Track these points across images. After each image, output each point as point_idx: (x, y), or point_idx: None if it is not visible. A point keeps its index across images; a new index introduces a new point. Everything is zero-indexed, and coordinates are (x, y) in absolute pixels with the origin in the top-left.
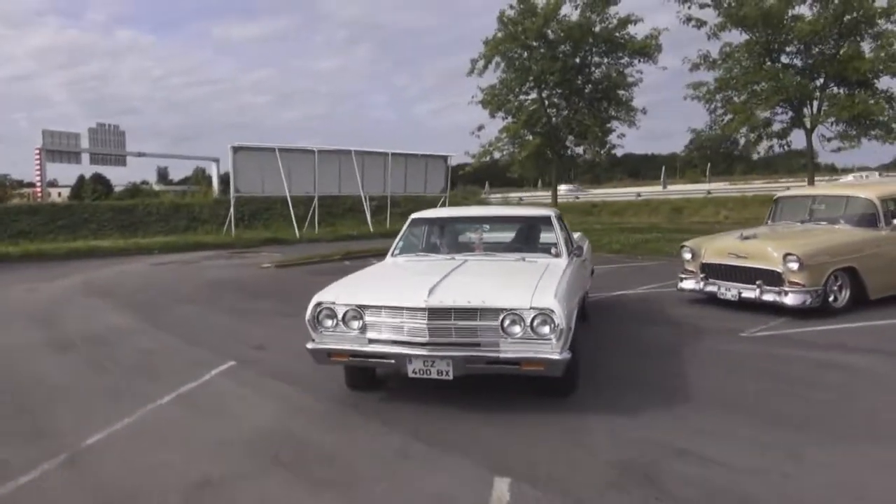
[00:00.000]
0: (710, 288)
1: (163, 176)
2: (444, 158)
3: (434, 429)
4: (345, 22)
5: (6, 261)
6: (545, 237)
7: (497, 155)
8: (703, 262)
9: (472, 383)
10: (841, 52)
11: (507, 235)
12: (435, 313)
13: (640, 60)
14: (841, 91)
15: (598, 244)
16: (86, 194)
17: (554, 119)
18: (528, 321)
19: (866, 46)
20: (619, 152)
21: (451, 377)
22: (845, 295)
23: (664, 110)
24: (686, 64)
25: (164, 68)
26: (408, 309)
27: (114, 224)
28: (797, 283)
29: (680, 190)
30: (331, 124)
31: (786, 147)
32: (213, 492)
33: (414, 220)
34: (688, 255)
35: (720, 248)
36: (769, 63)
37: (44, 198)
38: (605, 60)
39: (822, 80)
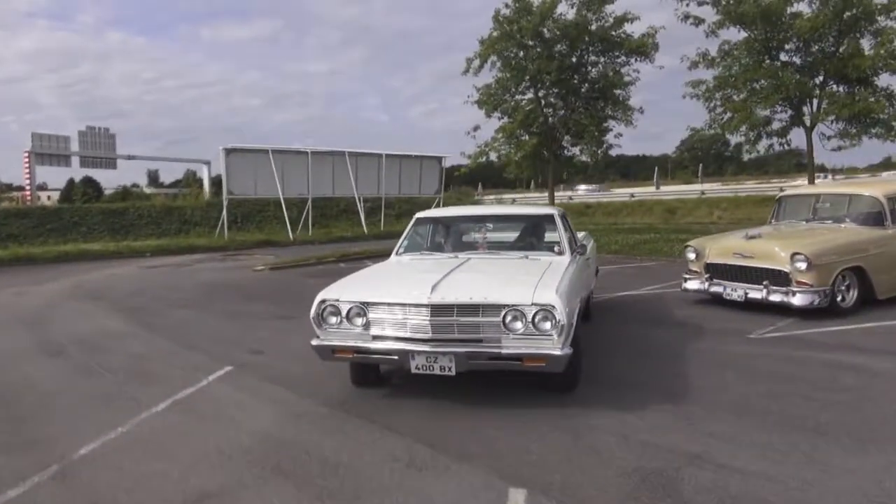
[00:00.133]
0: (715, 288)
1: (153, 179)
2: (439, 159)
3: (440, 433)
4: (337, 24)
5: None
6: (548, 236)
7: (493, 155)
8: (708, 262)
9: (475, 384)
10: (841, 49)
11: (511, 234)
12: (437, 310)
13: (636, 59)
14: (841, 89)
15: (596, 244)
16: (76, 197)
17: (550, 119)
18: (530, 317)
19: (866, 44)
20: (614, 152)
21: (453, 373)
22: (853, 295)
23: (654, 111)
24: (685, 62)
25: (155, 71)
26: (411, 305)
27: (104, 227)
28: (805, 283)
29: (673, 190)
30: (324, 126)
31: (786, 146)
32: None
33: (418, 220)
34: (692, 256)
35: (725, 247)
36: (768, 61)
37: (33, 201)
38: (602, 59)
39: (821, 78)
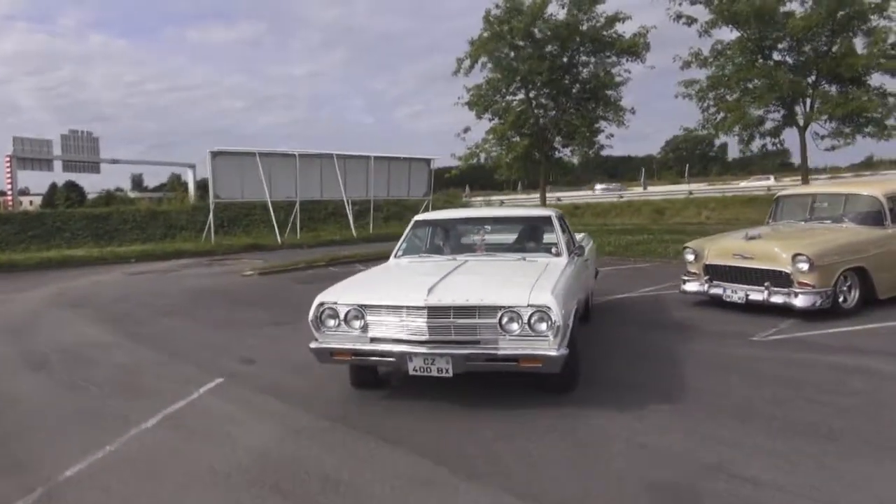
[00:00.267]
0: (714, 290)
1: (137, 183)
2: (428, 161)
3: (443, 446)
4: (320, 26)
5: None
6: (546, 237)
7: (484, 157)
8: (707, 263)
9: (477, 391)
10: (834, 48)
11: (509, 236)
12: (434, 312)
13: (627, 59)
14: (833, 88)
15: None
16: (59, 202)
17: (542, 120)
18: (526, 318)
19: (859, 43)
20: (605, 153)
21: (450, 374)
22: (854, 295)
23: (639, 112)
24: (676, 62)
25: (138, 74)
26: (408, 308)
27: (88, 232)
28: (807, 285)
29: (661, 191)
30: (309, 129)
31: (779, 146)
32: None
33: (417, 222)
34: (690, 257)
35: (724, 248)
36: (761, 60)
37: (15, 206)
38: (593, 60)
39: (814, 78)
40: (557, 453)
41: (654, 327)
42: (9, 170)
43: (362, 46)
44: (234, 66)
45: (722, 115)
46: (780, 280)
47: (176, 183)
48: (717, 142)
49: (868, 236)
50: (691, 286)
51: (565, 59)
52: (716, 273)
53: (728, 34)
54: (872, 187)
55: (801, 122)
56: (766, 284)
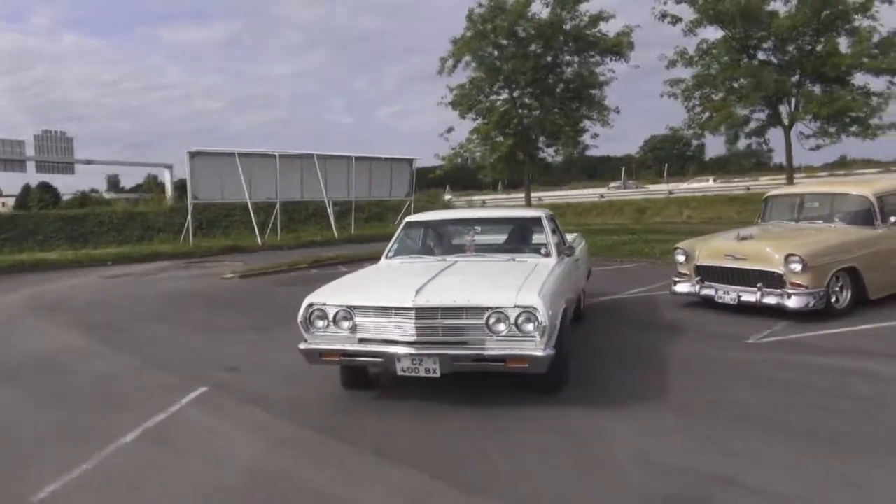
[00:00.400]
0: (706, 291)
1: (113, 184)
2: (410, 161)
3: (439, 459)
4: (300, 26)
5: None
6: (536, 238)
7: (469, 156)
8: (698, 264)
9: (473, 397)
10: (818, 48)
11: (499, 237)
12: (422, 313)
13: (611, 59)
14: (817, 88)
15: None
16: (32, 204)
17: (526, 120)
18: (513, 319)
19: (843, 42)
20: (590, 153)
21: (438, 375)
22: (846, 296)
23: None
24: (662, 61)
25: (113, 73)
26: (395, 309)
27: (62, 235)
28: (800, 285)
29: (641, 191)
30: (289, 129)
31: (764, 145)
32: None
33: (408, 223)
34: (681, 258)
35: (716, 249)
36: (746, 60)
37: None
38: (577, 59)
39: (797, 77)
40: (565, 467)
41: (647, 329)
42: None
43: (343, 46)
44: (211, 65)
45: (707, 114)
46: (773, 281)
47: (153, 184)
48: (695, 142)
49: (859, 236)
50: (682, 287)
51: (549, 59)
52: (707, 274)
53: (713, 33)
54: (862, 187)
55: (787, 122)
56: (758, 285)
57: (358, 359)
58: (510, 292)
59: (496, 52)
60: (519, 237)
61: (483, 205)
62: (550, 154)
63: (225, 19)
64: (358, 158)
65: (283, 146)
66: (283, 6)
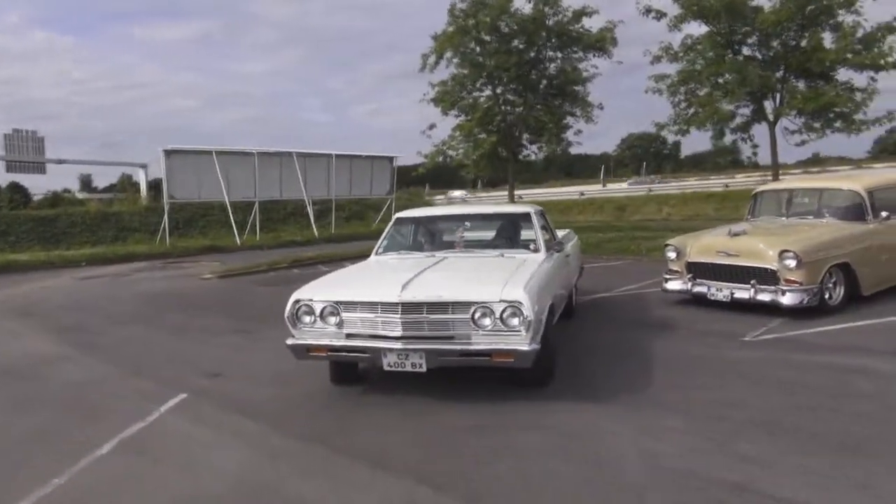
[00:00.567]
0: (698, 288)
1: (86, 184)
2: (390, 159)
3: (436, 467)
4: (275, 23)
5: None
6: (525, 234)
7: (452, 153)
8: (690, 261)
9: (472, 402)
10: (803, 43)
11: (489, 233)
12: (408, 308)
13: (594, 55)
14: (802, 83)
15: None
16: (2, 204)
17: (509, 116)
18: (498, 314)
19: (827, 38)
20: (572, 150)
21: (424, 370)
22: (840, 292)
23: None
24: (646, 56)
25: (85, 71)
26: (382, 304)
27: (34, 236)
28: (794, 282)
29: (621, 188)
30: (265, 128)
31: (749, 141)
32: None
33: (398, 220)
34: (672, 255)
35: (708, 245)
36: (731, 55)
37: None
38: (559, 55)
39: (781, 73)
40: (574, 477)
41: (640, 327)
42: None
43: (319, 44)
44: (184, 63)
45: (692, 110)
46: (766, 277)
47: (127, 183)
48: (672, 139)
49: (851, 231)
50: (673, 284)
51: (532, 54)
52: (699, 271)
53: (697, 29)
54: (853, 182)
55: (771, 118)
56: (752, 282)
57: (345, 354)
58: (496, 287)
59: (479, 48)
60: (508, 233)
61: (464, 201)
62: (534, 151)
63: (199, 16)
64: (338, 156)
65: (260, 145)
66: (258, 3)
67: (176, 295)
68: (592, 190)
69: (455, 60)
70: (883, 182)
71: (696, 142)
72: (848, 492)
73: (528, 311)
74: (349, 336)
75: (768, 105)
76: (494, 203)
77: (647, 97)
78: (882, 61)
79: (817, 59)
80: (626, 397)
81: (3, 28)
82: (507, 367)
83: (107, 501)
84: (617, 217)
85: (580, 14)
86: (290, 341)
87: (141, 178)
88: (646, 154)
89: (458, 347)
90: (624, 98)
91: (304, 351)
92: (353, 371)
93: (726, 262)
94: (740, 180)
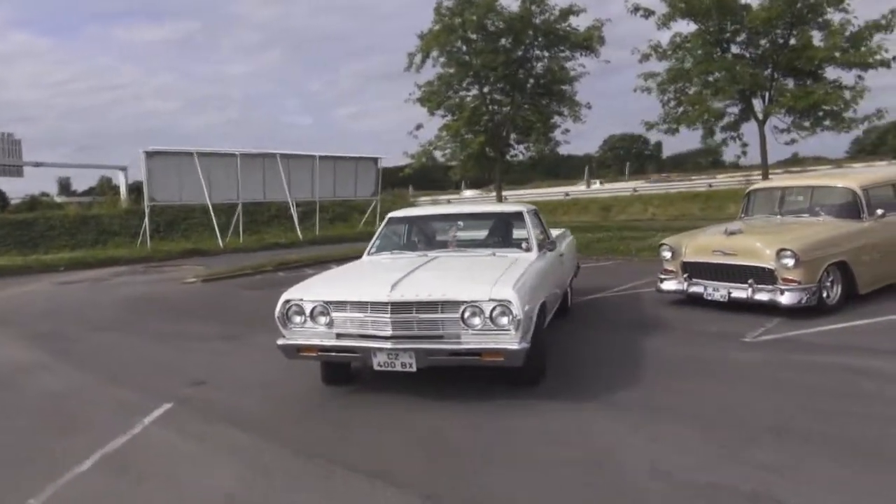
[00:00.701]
0: (694, 288)
1: (65, 187)
2: (375, 161)
3: (441, 483)
4: (258, 25)
5: None
6: (517, 233)
7: (439, 154)
8: (685, 260)
9: (473, 408)
10: (792, 41)
11: (482, 232)
12: (398, 307)
13: (581, 54)
14: (790, 82)
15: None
16: None
17: (497, 116)
18: (488, 313)
19: (816, 36)
20: (559, 149)
21: (414, 369)
22: (837, 291)
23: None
24: (635, 55)
25: (63, 73)
26: (371, 303)
27: (11, 240)
28: (792, 281)
29: (606, 189)
30: (245, 130)
31: (738, 139)
32: None
33: (390, 219)
34: (667, 254)
35: (703, 245)
36: (720, 53)
37: None
38: (547, 54)
39: (770, 71)
40: (583, 488)
41: (637, 328)
42: None
43: (300, 46)
44: (164, 64)
45: (682, 108)
46: (764, 276)
47: (106, 186)
48: (653, 140)
49: (848, 230)
50: (669, 284)
51: (519, 53)
52: (695, 270)
53: (686, 27)
54: (847, 179)
55: (761, 117)
56: (749, 282)
57: (335, 354)
58: (485, 286)
59: (465, 47)
60: (500, 232)
61: (448, 203)
62: (521, 151)
63: (179, 18)
64: (322, 158)
65: (241, 147)
66: (240, 4)
67: (158, 300)
68: (578, 190)
69: (441, 59)
70: (877, 179)
71: (678, 142)
72: (874, 499)
73: (517, 309)
74: (339, 336)
75: (757, 104)
76: (487, 202)
77: (627, 99)
78: (870, 59)
79: (806, 58)
80: (626, 399)
81: None
82: (497, 367)
83: None
84: (603, 217)
85: (567, 12)
86: (280, 341)
87: (121, 181)
88: (628, 155)
89: (448, 347)
90: (606, 99)
91: (294, 351)
92: (345, 371)
93: (723, 262)
94: (722, 180)
